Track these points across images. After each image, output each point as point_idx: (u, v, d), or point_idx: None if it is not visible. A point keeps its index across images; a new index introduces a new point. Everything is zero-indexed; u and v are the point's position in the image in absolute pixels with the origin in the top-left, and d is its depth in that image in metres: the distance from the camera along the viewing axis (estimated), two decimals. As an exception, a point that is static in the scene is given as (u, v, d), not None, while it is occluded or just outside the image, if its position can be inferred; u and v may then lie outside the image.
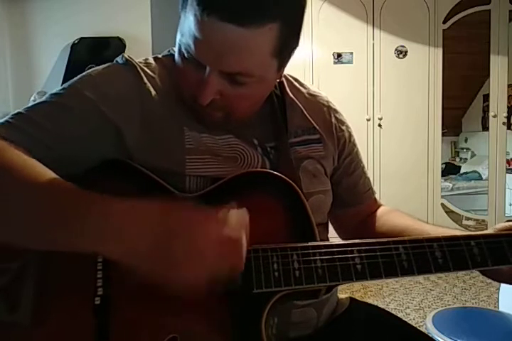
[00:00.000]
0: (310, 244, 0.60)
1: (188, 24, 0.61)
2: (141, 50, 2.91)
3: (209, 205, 0.63)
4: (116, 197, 0.53)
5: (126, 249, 0.50)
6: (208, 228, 0.51)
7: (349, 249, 0.60)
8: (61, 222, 0.52)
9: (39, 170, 0.57)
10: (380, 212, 0.88)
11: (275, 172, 0.65)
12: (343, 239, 0.89)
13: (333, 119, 0.83)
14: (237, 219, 0.53)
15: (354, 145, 0.87)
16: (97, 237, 0.50)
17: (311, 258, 0.59)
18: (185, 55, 0.64)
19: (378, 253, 0.59)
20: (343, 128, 0.84)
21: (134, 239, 0.50)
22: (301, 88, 0.83)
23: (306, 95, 0.83)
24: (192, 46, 0.61)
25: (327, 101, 0.85)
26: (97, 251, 0.52)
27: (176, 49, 0.68)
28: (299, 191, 0.63)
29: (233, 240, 0.51)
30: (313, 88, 0.86)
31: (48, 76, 3.09)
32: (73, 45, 2.95)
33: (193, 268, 0.50)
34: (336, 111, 0.85)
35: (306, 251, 0.59)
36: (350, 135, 0.86)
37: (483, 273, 0.69)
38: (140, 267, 0.50)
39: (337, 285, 0.61)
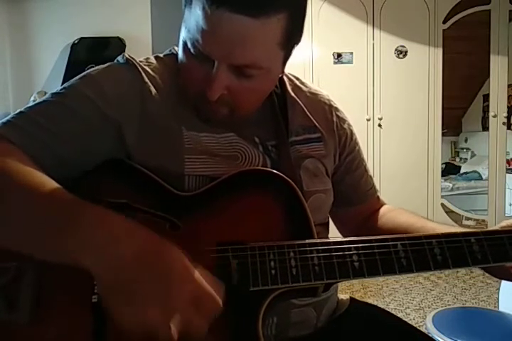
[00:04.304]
0: (307, 241, 0.60)
1: (194, 18, 0.61)
2: (141, 50, 2.91)
3: (206, 205, 0.63)
4: (113, 213, 0.51)
5: (101, 265, 0.48)
6: (194, 277, 0.48)
7: (346, 246, 0.59)
8: (52, 231, 0.51)
9: (38, 178, 0.56)
10: (382, 210, 0.88)
11: (273, 171, 0.65)
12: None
13: (335, 117, 0.83)
14: (217, 282, 0.50)
15: (356, 143, 0.86)
16: (80, 247, 0.49)
17: (308, 255, 0.58)
18: (192, 50, 0.63)
19: (376, 251, 0.59)
20: (345, 126, 0.84)
21: (113, 258, 0.48)
22: (302, 87, 0.83)
23: (308, 94, 0.83)
24: (200, 40, 0.61)
25: (328, 100, 0.85)
26: (78, 263, 0.49)
27: (179, 46, 0.67)
28: (297, 189, 0.63)
29: (212, 299, 0.48)
30: (315, 87, 0.86)
31: (48, 76, 3.09)
32: (73, 45, 2.95)
33: (157, 308, 0.45)
34: (337, 109, 0.85)
35: (303, 249, 0.59)
36: (352, 133, 0.85)
37: (488, 271, 0.68)
38: (104, 286, 0.48)
39: (334, 282, 0.61)
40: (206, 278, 0.49)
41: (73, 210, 0.52)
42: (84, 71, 0.70)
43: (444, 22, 3.15)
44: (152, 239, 0.50)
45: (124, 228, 0.50)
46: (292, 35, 0.65)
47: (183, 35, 0.65)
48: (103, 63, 0.72)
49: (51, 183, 0.56)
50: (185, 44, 0.65)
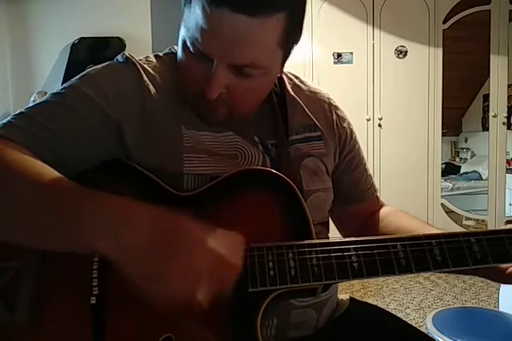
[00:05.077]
0: (306, 242, 0.59)
1: (194, 18, 0.60)
2: (141, 50, 2.91)
3: (204, 205, 0.63)
4: (119, 196, 0.52)
5: (120, 248, 0.49)
6: (208, 246, 0.50)
7: (345, 246, 0.59)
8: (60, 219, 0.52)
9: (41, 169, 0.57)
10: (383, 211, 0.88)
11: (273, 170, 0.64)
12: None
13: (334, 116, 0.83)
14: (235, 243, 0.53)
15: (356, 142, 0.86)
16: (93, 233, 0.50)
17: (307, 256, 0.58)
18: (191, 49, 0.63)
19: (375, 251, 0.59)
20: (344, 125, 0.84)
21: (131, 240, 0.49)
22: (301, 85, 0.83)
23: (307, 92, 0.83)
24: (199, 39, 0.61)
25: (328, 99, 0.85)
26: (92, 247, 0.50)
27: (179, 45, 0.67)
28: (297, 189, 0.63)
29: (229, 264, 0.51)
30: (314, 85, 0.86)
31: (48, 76, 3.09)
32: (73, 45, 2.96)
33: (180, 282, 0.48)
34: (336, 107, 0.85)
35: (302, 250, 0.58)
36: (352, 132, 0.85)
37: (481, 275, 0.68)
38: (128, 268, 0.49)
39: (333, 283, 0.61)
40: (224, 238, 0.52)
41: (78, 197, 0.53)
42: (84, 71, 0.70)
43: (444, 22, 3.16)
44: (163, 215, 0.51)
45: (132, 208, 0.51)
46: (292, 35, 0.65)
47: (183, 33, 0.65)
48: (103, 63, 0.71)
49: (52, 172, 0.56)
50: (184, 43, 0.64)
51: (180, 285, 0.48)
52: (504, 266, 0.65)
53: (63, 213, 0.52)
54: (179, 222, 0.51)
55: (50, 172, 0.56)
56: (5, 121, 0.64)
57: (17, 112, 0.65)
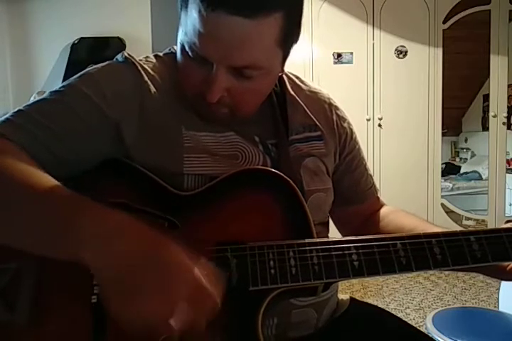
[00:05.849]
0: (307, 240, 0.60)
1: (191, 21, 0.60)
2: (141, 50, 2.91)
3: (205, 205, 0.63)
4: (113, 209, 0.50)
5: (105, 262, 0.46)
6: (189, 274, 0.47)
7: (346, 245, 0.59)
8: (54, 228, 0.51)
9: (36, 174, 0.56)
10: (383, 211, 0.88)
11: (273, 170, 0.64)
12: None
13: (334, 116, 0.83)
14: (216, 278, 0.49)
15: (356, 142, 0.86)
16: (82, 243, 0.48)
17: (308, 255, 0.58)
18: (190, 53, 0.63)
19: (376, 250, 0.59)
20: (345, 125, 0.84)
21: (116, 255, 0.47)
22: (302, 85, 0.83)
23: (307, 92, 0.83)
24: (197, 43, 0.61)
25: (328, 99, 0.85)
26: (79, 256, 0.48)
27: (178, 48, 0.67)
28: (297, 189, 0.63)
29: (210, 296, 0.47)
30: (315, 85, 0.86)
31: (48, 76, 3.09)
32: (73, 45, 2.95)
33: (156, 302, 0.44)
34: (337, 107, 0.85)
35: (302, 248, 0.59)
36: (352, 132, 0.85)
37: (483, 272, 0.68)
38: (107, 284, 0.46)
39: (334, 282, 0.61)
40: (207, 272, 0.48)
41: (72, 206, 0.52)
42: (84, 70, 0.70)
43: (444, 22, 3.15)
44: (151, 235, 0.49)
45: (123, 223, 0.49)
46: (290, 34, 0.65)
47: (181, 37, 0.65)
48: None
49: (49, 180, 0.56)
50: (183, 47, 0.64)
51: (154, 308, 0.44)
52: (504, 263, 0.65)
53: (57, 222, 0.51)
54: (165, 245, 0.48)
55: (46, 180, 0.55)
56: (3, 118, 0.63)
57: (15, 110, 0.65)
